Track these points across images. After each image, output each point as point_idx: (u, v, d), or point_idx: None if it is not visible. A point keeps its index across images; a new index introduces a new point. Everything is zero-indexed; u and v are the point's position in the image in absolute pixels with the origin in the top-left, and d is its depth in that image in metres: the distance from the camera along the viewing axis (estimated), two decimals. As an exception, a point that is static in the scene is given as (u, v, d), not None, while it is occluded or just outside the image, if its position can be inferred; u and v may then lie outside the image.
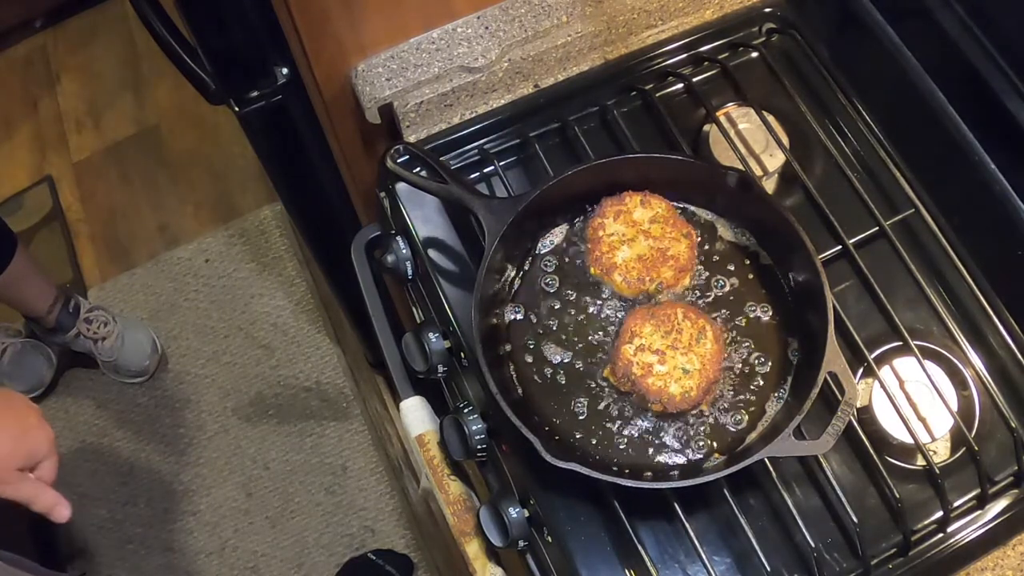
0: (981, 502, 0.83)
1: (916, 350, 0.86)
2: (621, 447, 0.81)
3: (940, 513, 0.82)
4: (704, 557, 0.78)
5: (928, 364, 0.86)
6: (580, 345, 0.85)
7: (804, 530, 0.78)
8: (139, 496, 1.87)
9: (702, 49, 1.04)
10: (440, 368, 0.93)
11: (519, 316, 0.86)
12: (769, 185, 0.98)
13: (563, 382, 0.83)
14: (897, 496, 0.81)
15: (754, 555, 0.78)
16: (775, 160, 0.97)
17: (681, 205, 0.90)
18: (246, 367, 1.98)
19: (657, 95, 1.01)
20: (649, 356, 0.80)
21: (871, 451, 0.82)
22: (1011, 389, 0.88)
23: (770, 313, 0.86)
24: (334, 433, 1.91)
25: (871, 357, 0.86)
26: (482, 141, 0.99)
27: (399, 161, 0.88)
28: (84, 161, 2.25)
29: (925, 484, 0.84)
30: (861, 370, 0.87)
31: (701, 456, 0.80)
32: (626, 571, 0.80)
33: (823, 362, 0.77)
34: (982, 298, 0.89)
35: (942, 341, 0.90)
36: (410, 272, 0.97)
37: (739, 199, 0.87)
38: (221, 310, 2.04)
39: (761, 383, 0.83)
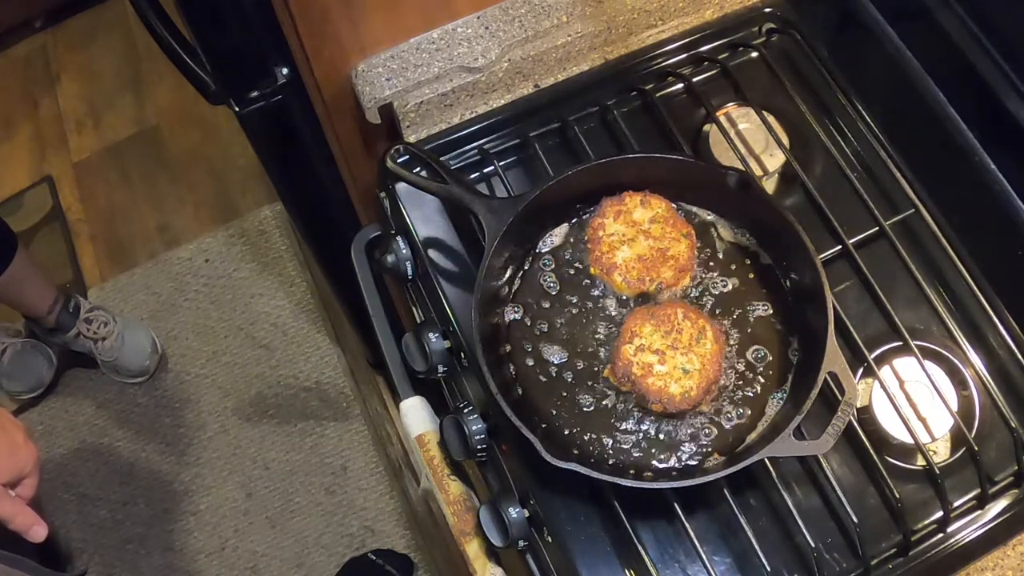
0: (981, 502, 0.83)
1: (916, 350, 0.86)
2: (621, 447, 0.81)
3: (940, 513, 0.82)
4: (704, 557, 0.78)
5: (928, 364, 0.86)
6: (580, 345, 0.85)
7: (804, 530, 0.78)
8: (139, 496, 1.87)
9: (702, 49, 1.04)
10: (440, 368, 0.93)
11: (519, 316, 0.86)
12: (769, 185, 0.98)
13: (563, 382, 0.83)
14: (897, 496, 0.81)
15: (754, 555, 0.78)
16: (775, 160, 0.97)
17: (681, 205, 0.90)
18: (246, 367, 1.98)
19: (657, 95, 1.01)
20: (649, 356, 0.80)
21: (871, 451, 0.82)
22: (1011, 389, 0.88)
23: (770, 313, 0.86)
24: (334, 433, 1.91)
25: (871, 357, 0.86)
26: (482, 141, 0.99)
27: (399, 161, 0.88)
28: (84, 161, 2.25)
29: (925, 484, 0.84)
30: (861, 370, 0.87)
31: (701, 456, 0.80)
32: (626, 571, 0.80)
33: (823, 362, 0.77)
34: (982, 298, 0.89)
35: (942, 341, 0.90)
36: (410, 272, 0.97)
37: (739, 199, 0.87)
38: (221, 310, 2.04)
39: (761, 383, 0.83)
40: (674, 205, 0.89)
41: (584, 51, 1.03)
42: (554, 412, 0.82)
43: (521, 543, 0.85)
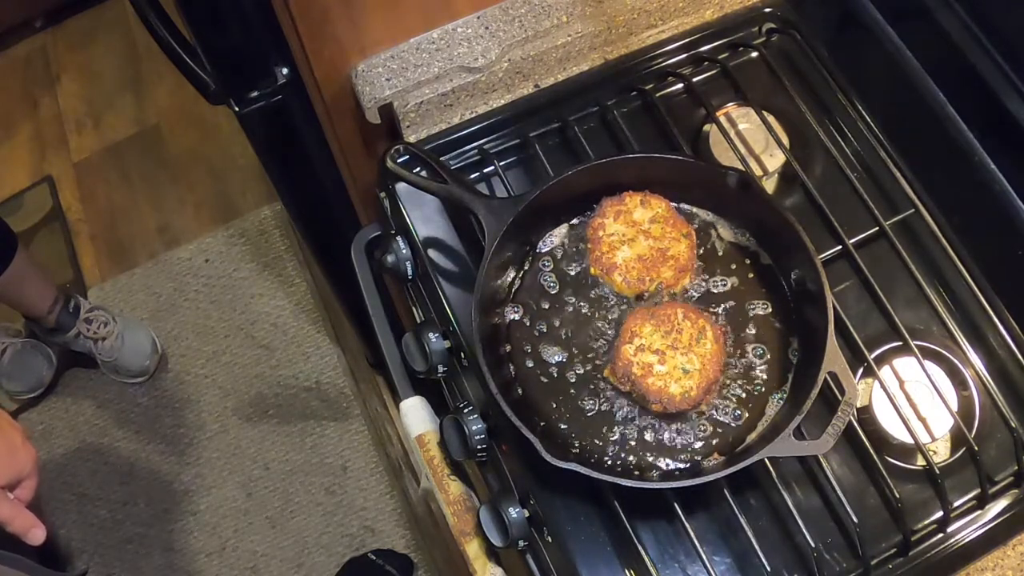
0: (981, 502, 0.83)
1: (916, 350, 0.86)
2: (621, 447, 0.81)
3: (940, 513, 0.82)
4: (704, 557, 0.78)
5: (928, 364, 0.86)
6: (580, 345, 0.85)
7: (804, 530, 0.78)
8: (139, 496, 1.87)
9: (702, 49, 1.04)
10: (440, 368, 0.93)
11: (519, 316, 0.86)
12: (769, 185, 0.98)
13: (563, 382, 0.83)
14: (897, 496, 0.81)
15: (754, 555, 0.78)
16: (775, 160, 0.98)
17: (681, 205, 0.90)
18: (246, 367, 1.98)
19: (657, 95, 1.01)
20: (649, 356, 0.80)
21: (871, 451, 0.82)
22: (1011, 389, 0.88)
23: (770, 312, 0.86)
24: (334, 433, 1.91)
25: (871, 357, 0.86)
26: (482, 141, 0.99)
27: (399, 161, 0.88)
28: (84, 161, 2.25)
29: (925, 484, 0.84)
30: (861, 370, 0.87)
31: (701, 456, 0.80)
32: (626, 571, 0.80)
33: (823, 362, 0.77)
34: (982, 298, 0.89)
35: (942, 341, 0.90)
36: (410, 272, 0.97)
37: (739, 199, 0.87)
38: (221, 310, 2.04)
39: (761, 383, 0.83)
40: (674, 205, 0.89)
41: (584, 51, 1.03)
42: (554, 412, 0.82)
43: (521, 543, 0.85)
